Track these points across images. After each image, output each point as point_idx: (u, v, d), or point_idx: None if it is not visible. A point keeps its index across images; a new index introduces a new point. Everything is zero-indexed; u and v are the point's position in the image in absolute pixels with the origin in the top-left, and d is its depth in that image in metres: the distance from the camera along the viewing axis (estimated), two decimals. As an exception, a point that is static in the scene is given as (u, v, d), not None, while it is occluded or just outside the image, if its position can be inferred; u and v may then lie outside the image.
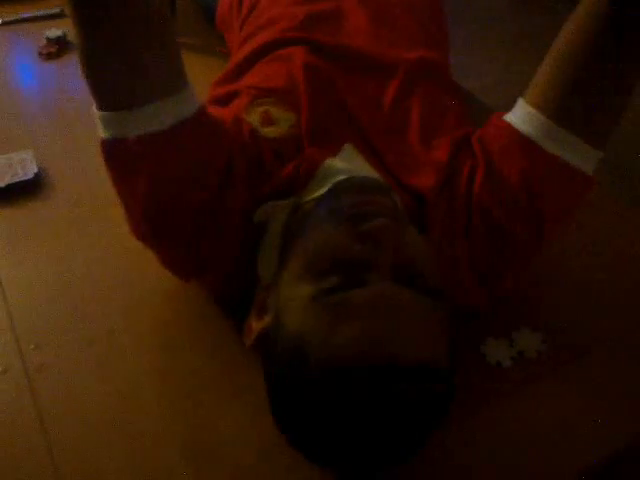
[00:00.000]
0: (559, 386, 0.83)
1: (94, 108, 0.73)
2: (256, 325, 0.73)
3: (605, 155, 0.81)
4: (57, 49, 1.46)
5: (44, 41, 1.48)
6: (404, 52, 0.97)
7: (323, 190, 0.76)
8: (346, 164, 0.80)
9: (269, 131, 0.83)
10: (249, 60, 0.98)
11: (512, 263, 0.83)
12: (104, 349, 0.85)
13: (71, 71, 1.42)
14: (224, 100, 0.91)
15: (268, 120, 0.84)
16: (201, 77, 1.31)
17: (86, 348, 0.85)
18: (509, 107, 0.85)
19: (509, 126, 0.82)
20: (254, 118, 0.84)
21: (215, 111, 0.82)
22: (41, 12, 1.60)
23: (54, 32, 1.48)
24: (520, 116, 0.81)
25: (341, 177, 0.76)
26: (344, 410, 0.60)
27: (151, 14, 0.69)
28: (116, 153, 0.74)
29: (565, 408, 0.81)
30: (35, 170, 1.10)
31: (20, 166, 1.11)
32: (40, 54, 1.46)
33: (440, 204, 0.82)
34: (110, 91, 0.72)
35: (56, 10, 1.61)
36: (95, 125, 1.21)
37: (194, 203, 0.76)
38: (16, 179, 1.08)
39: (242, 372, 0.81)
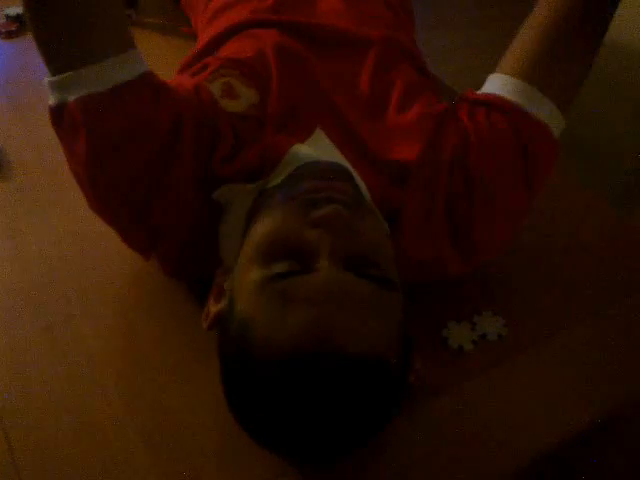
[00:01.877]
0: (520, 369, 0.84)
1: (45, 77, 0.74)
2: (213, 308, 0.72)
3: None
4: (17, 27, 1.42)
5: (3, 19, 1.44)
6: (374, 31, 0.97)
7: (286, 175, 0.75)
8: (314, 150, 0.79)
9: (229, 104, 0.82)
10: (217, 40, 0.96)
11: (500, 225, 0.85)
12: (61, 334, 0.83)
13: (32, 50, 1.38)
14: (194, 74, 0.89)
15: (229, 92, 0.83)
16: (167, 57, 1.30)
17: (43, 334, 0.83)
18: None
19: (498, 97, 0.85)
20: (216, 87, 0.83)
21: (181, 80, 0.82)
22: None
23: (14, 10, 1.44)
24: (505, 86, 0.85)
25: (302, 162, 0.75)
26: (287, 399, 0.59)
27: None
28: (59, 117, 0.74)
29: (525, 391, 0.81)
30: (-7, 151, 1.08)
31: (-23, 147, 1.09)
32: (0, 33, 1.42)
33: (423, 173, 0.82)
34: (54, 54, 0.72)
35: (16, -13, 1.57)
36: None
37: (136, 166, 0.75)
38: (-28, 160, 1.06)
39: (204, 357, 0.80)
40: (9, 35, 1.41)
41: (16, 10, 1.44)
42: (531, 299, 0.93)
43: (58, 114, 0.73)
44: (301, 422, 0.59)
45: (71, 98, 0.71)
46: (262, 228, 0.67)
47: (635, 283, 0.97)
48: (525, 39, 0.85)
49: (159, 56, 1.32)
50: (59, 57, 0.72)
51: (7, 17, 1.44)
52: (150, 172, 0.76)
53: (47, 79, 0.73)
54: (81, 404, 0.77)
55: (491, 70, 0.89)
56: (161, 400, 0.78)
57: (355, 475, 0.72)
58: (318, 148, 0.80)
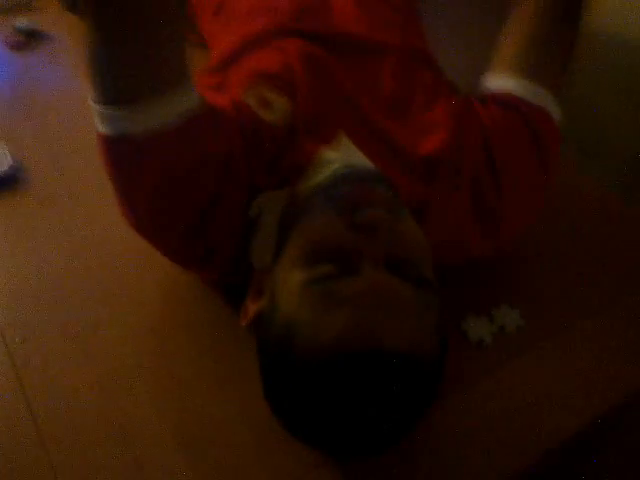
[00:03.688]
0: (539, 360, 0.86)
1: (91, 102, 0.71)
2: (252, 306, 0.74)
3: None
4: (26, 39, 1.44)
5: (12, 31, 1.45)
6: (391, 37, 0.99)
7: (319, 179, 0.76)
8: (341, 154, 0.81)
9: (267, 115, 0.83)
10: (239, 50, 0.96)
11: (522, 204, 0.90)
12: (90, 341, 0.85)
13: (42, 62, 1.40)
14: (214, 88, 0.90)
15: (265, 104, 0.84)
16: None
17: (72, 341, 0.85)
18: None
19: (503, 93, 0.92)
20: (250, 99, 0.84)
21: (210, 97, 0.81)
22: (9, 2, 1.57)
23: (23, 22, 1.46)
24: (505, 83, 0.92)
25: (337, 166, 0.77)
26: (330, 396, 0.61)
27: (170, 3, 0.68)
28: (121, 149, 0.72)
29: (545, 381, 0.84)
30: (10, 163, 1.09)
31: (-6, 159, 1.10)
32: (9, 44, 1.43)
33: (451, 161, 0.85)
34: (116, 85, 0.69)
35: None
36: (69, 116, 1.22)
37: (201, 194, 0.76)
38: (-9, 173, 1.07)
39: (233, 357, 0.82)
40: (18, 47, 1.43)
41: (25, 22, 1.45)
42: (546, 290, 0.95)
43: (117, 145, 0.71)
44: (343, 418, 0.61)
45: (137, 130, 0.70)
46: (304, 232, 0.69)
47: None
48: (512, 37, 0.93)
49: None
50: (124, 88, 0.69)
51: (16, 30, 1.45)
52: (211, 196, 0.77)
53: (100, 108, 0.70)
54: (113, 408, 0.79)
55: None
56: (192, 402, 0.80)
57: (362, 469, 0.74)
58: (344, 151, 0.81)
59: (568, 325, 0.90)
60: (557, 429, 0.78)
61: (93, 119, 0.73)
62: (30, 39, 1.45)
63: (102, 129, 0.71)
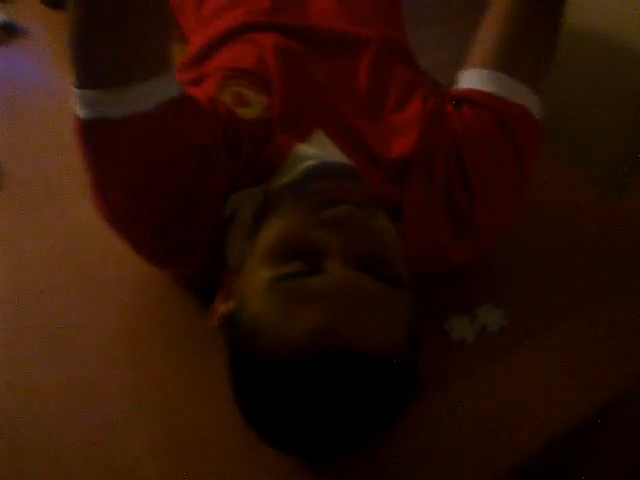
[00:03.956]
0: (522, 360, 0.84)
1: (72, 86, 0.70)
2: (221, 307, 0.72)
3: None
4: (4, 35, 1.42)
5: (-10, 26, 1.43)
6: (369, 31, 0.98)
7: (293, 176, 0.75)
8: (316, 150, 0.79)
9: (244, 112, 0.81)
10: (215, 44, 0.96)
11: (498, 210, 0.86)
12: (65, 343, 0.83)
13: (21, 58, 1.38)
14: (192, 84, 0.89)
15: (242, 101, 0.82)
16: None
17: (46, 343, 0.83)
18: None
19: (476, 91, 0.87)
20: (227, 97, 0.82)
21: (193, 93, 0.80)
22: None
23: (0, 17, 1.43)
24: (479, 79, 0.87)
25: (311, 163, 0.75)
26: (298, 397, 0.59)
27: None
28: (98, 134, 0.71)
29: (529, 382, 0.82)
30: (-14, 161, 1.08)
31: (-31, 157, 1.08)
32: (-14, 40, 1.41)
33: (421, 165, 0.83)
34: (99, 68, 0.68)
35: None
36: (47, 113, 1.20)
37: (177, 186, 0.74)
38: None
39: (212, 360, 0.80)
40: (-4, 42, 1.41)
41: (2, 18, 1.43)
42: (530, 289, 0.94)
43: (94, 129, 0.71)
44: (312, 420, 0.60)
45: (115, 115, 0.69)
46: (272, 229, 0.67)
47: (632, 269, 0.98)
48: (489, 30, 0.88)
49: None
50: (105, 72, 0.68)
51: (-6, 25, 1.43)
52: (187, 188, 0.75)
53: (79, 91, 0.70)
54: (85, 411, 0.77)
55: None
56: (166, 406, 0.78)
57: (354, 471, 0.72)
58: (320, 148, 0.80)
59: (552, 325, 0.88)
60: (540, 430, 0.77)
61: (72, 111, 0.72)
62: (6, 33, 1.42)
63: (81, 113, 0.70)
